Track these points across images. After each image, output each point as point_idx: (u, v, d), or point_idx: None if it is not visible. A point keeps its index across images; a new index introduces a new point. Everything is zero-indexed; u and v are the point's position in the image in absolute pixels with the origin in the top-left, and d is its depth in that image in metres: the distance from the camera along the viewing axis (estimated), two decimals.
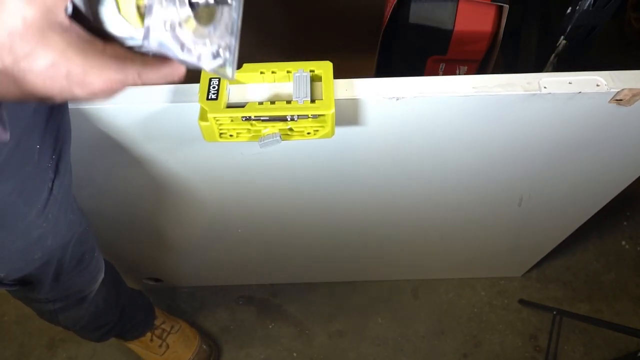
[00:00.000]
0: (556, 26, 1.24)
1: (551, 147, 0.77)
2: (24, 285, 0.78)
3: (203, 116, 0.61)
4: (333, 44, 1.27)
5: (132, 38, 0.34)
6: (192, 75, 0.45)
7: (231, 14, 0.37)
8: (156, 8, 0.31)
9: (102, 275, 0.95)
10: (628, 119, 0.69)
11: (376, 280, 1.47)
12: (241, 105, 0.61)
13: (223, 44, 0.36)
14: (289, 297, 1.46)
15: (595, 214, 1.04)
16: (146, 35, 0.31)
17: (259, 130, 0.63)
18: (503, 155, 0.79)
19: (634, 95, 0.63)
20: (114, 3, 0.32)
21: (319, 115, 0.61)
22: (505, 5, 1.17)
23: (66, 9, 0.31)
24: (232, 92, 0.65)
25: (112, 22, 0.33)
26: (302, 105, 0.61)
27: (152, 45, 0.32)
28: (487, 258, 1.33)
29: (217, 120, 0.61)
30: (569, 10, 1.14)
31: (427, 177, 0.86)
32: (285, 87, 0.65)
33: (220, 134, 0.63)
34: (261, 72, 0.64)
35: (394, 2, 1.21)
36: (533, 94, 0.63)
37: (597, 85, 0.63)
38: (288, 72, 0.64)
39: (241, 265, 1.32)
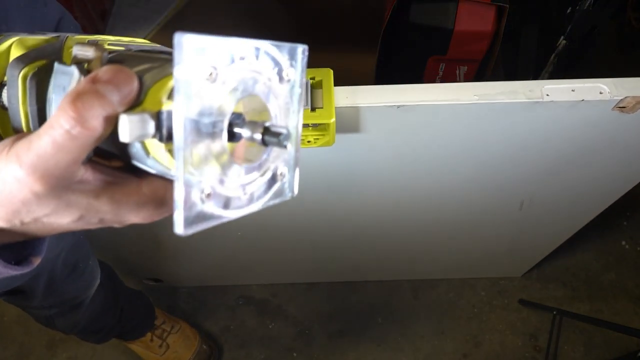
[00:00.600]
0: (556, 26, 1.23)
1: (553, 154, 0.77)
2: (15, 295, 0.78)
3: None
4: (333, 44, 1.27)
5: (167, 174, 0.28)
6: None
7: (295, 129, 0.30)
8: (180, 187, 0.23)
9: (97, 282, 0.95)
10: (631, 126, 0.68)
11: (376, 280, 1.47)
12: None
13: (281, 162, 0.29)
14: (289, 297, 1.46)
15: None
16: (177, 224, 0.24)
17: None
18: (505, 161, 0.79)
19: (637, 103, 0.63)
20: (141, 146, 0.27)
21: (320, 124, 0.60)
22: (505, 5, 1.17)
23: (86, 156, 0.27)
24: None
25: (143, 162, 0.28)
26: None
27: (189, 231, 0.24)
28: (487, 259, 1.33)
29: None
30: (569, 10, 1.14)
31: (428, 183, 0.86)
32: None
33: None
34: None
35: (395, 2, 1.20)
36: (536, 102, 0.62)
37: (600, 93, 0.62)
38: None
39: (241, 265, 1.32)
